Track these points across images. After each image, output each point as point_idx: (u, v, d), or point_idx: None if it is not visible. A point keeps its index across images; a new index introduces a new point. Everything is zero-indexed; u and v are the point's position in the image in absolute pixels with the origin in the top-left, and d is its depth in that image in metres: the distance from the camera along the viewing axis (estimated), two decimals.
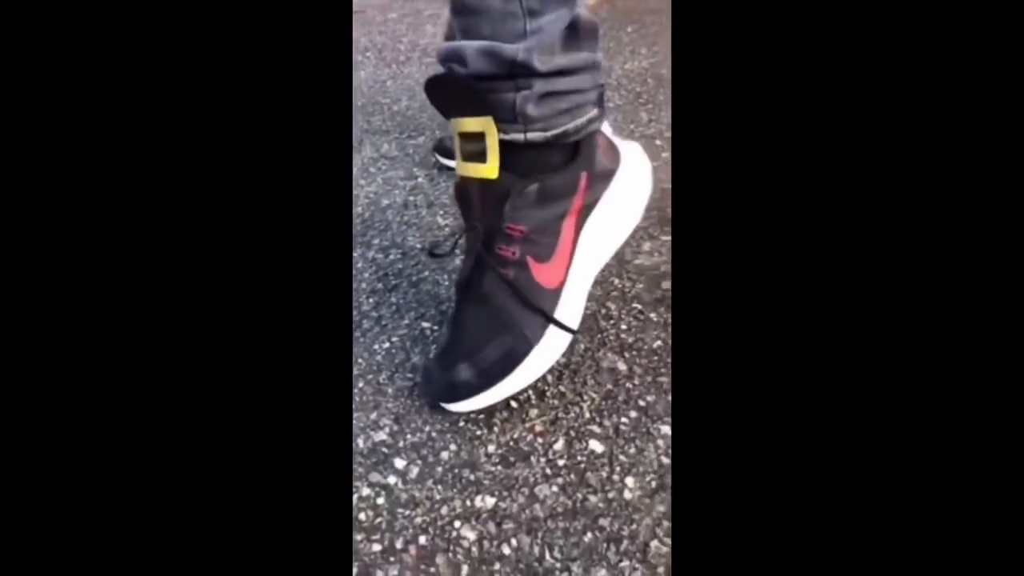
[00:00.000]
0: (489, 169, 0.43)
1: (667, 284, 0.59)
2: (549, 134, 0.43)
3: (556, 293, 0.45)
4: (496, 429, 0.45)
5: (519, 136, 0.42)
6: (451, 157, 0.80)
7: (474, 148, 0.43)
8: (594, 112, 0.45)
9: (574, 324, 0.47)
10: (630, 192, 0.48)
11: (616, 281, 0.60)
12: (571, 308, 0.46)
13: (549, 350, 0.46)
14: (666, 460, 0.43)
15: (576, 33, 0.46)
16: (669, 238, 0.66)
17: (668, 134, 0.88)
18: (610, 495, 0.41)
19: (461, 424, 0.46)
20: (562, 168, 0.44)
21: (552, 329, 0.45)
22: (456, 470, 0.43)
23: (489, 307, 0.45)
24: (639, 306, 0.56)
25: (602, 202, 0.47)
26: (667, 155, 0.82)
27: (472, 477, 0.42)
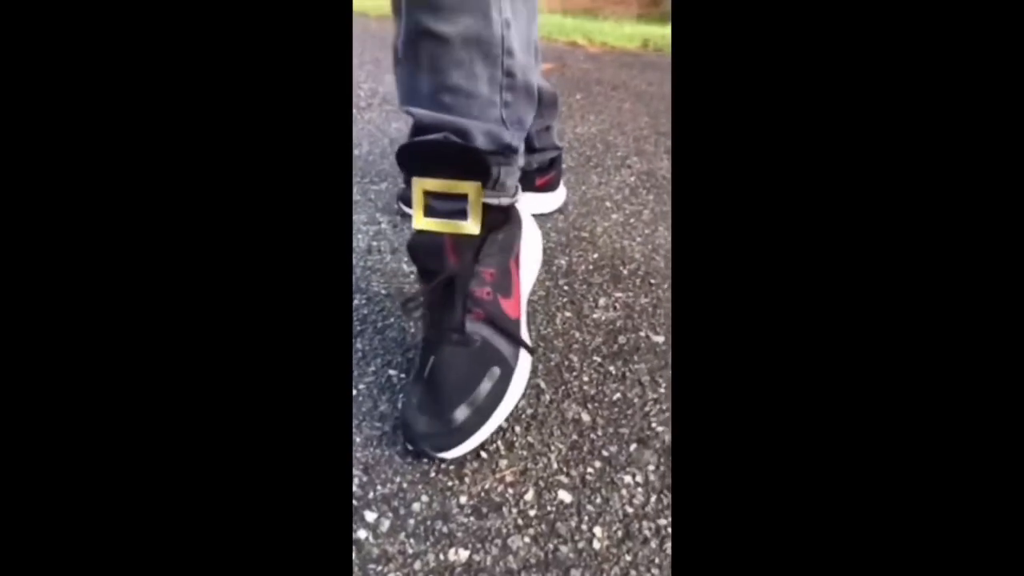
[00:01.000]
0: (472, 226, 0.49)
1: (623, 338, 0.63)
2: (513, 198, 0.54)
3: (518, 322, 0.54)
4: (467, 480, 0.46)
5: (493, 200, 0.51)
6: None
7: (451, 207, 0.49)
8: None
9: (530, 344, 0.57)
10: (533, 238, 0.60)
11: (577, 334, 0.63)
12: (525, 332, 0.57)
13: (523, 371, 0.53)
14: (630, 509, 0.45)
15: (539, 103, 0.57)
16: (622, 294, 0.70)
17: (617, 196, 0.95)
18: (580, 545, 0.42)
19: (432, 475, 0.46)
20: (507, 222, 0.54)
21: (521, 352, 0.52)
22: (429, 522, 0.43)
23: (473, 345, 0.49)
24: (598, 359, 0.60)
25: (523, 246, 0.57)
26: (616, 216, 0.89)
27: (445, 529, 0.42)
